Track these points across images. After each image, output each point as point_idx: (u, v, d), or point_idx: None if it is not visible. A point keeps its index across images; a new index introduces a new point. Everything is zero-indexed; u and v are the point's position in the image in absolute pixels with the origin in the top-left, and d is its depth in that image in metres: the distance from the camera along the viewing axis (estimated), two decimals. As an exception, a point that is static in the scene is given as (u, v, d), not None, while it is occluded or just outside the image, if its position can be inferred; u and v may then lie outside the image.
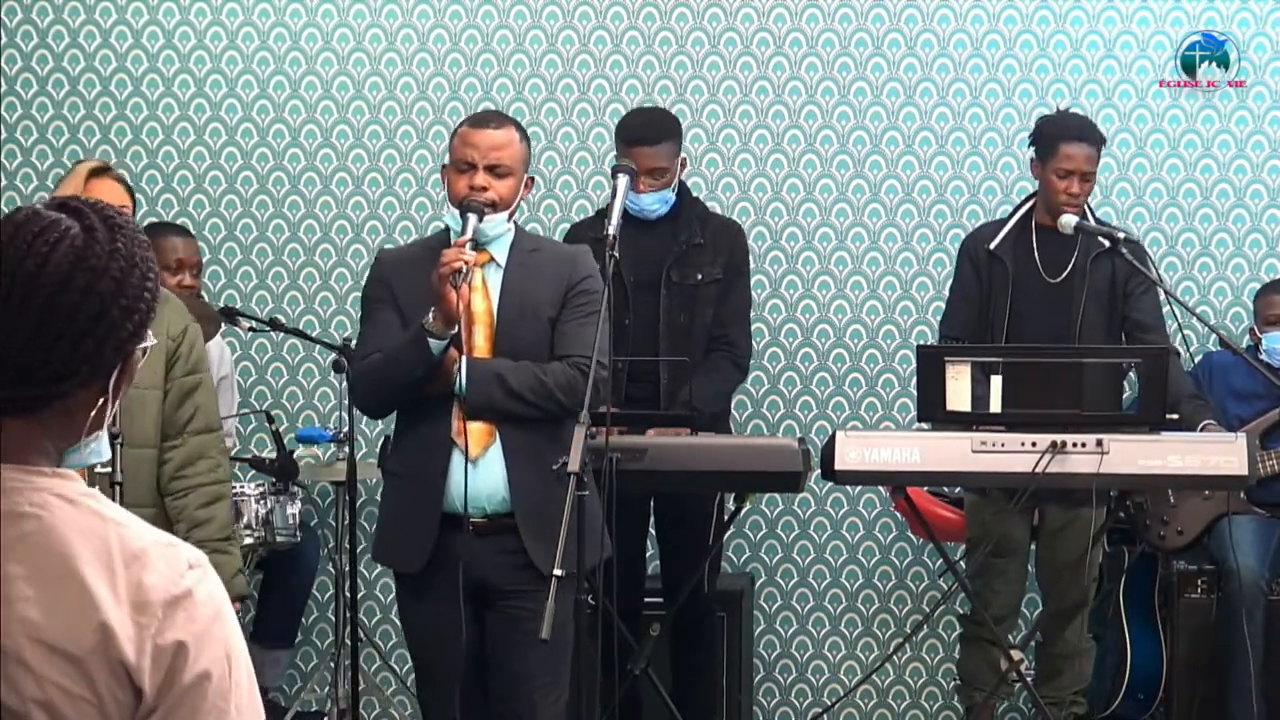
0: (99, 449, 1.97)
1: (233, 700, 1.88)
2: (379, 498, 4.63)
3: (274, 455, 5.76)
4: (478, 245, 4.29)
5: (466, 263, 4.15)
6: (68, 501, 1.89)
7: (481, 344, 4.29)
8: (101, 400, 1.92)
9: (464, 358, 4.24)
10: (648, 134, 5.46)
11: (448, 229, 4.41)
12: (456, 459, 4.23)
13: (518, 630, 4.25)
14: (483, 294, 4.32)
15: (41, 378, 1.87)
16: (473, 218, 4.26)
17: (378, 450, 5.21)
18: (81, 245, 1.88)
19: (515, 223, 4.40)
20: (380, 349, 4.30)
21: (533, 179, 4.46)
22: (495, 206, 4.29)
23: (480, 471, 4.25)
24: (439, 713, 4.36)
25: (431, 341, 4.20)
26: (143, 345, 1.94)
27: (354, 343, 5.72)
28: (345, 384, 5.57)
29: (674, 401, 5.42)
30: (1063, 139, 5.63)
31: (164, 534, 1.92)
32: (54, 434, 1.90)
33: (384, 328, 4.32)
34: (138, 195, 6.55)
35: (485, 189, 4.29)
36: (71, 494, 1.90)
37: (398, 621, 6.55)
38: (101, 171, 4.84)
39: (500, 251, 4.36)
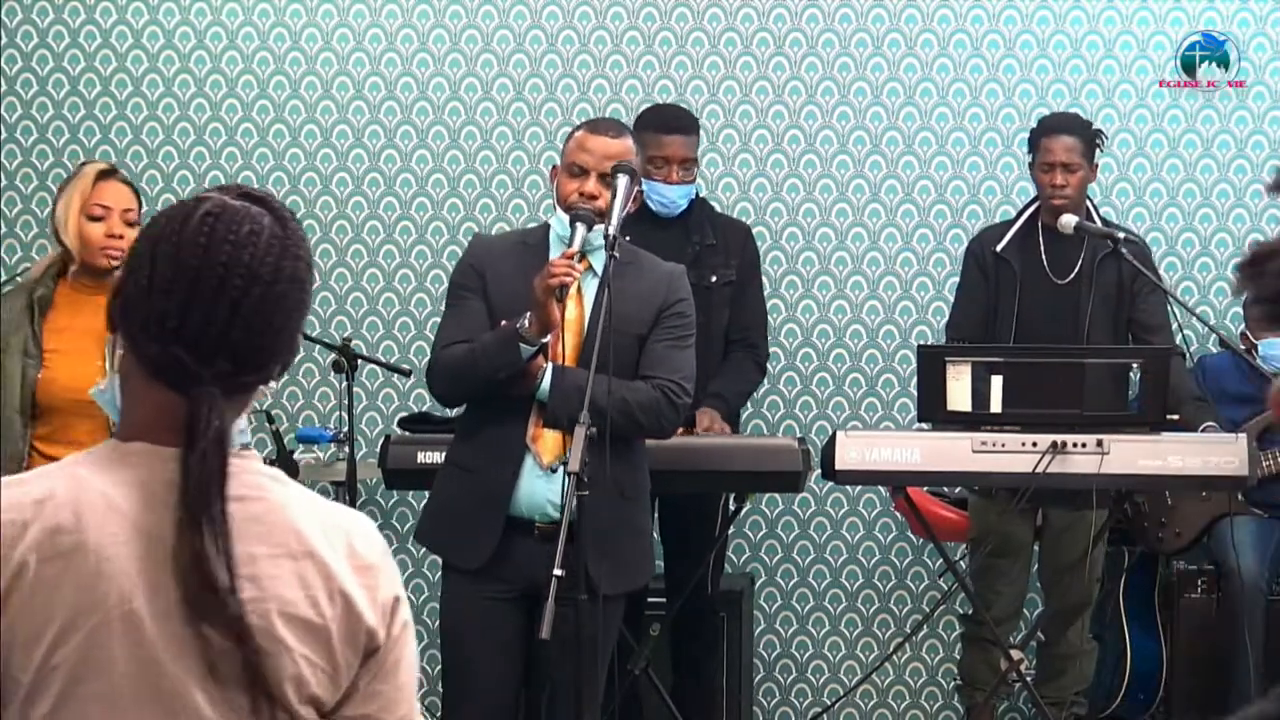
0: (245, 429, 2.05)
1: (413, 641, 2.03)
2: (433, 484, 4.46)
3: (274, 455, 5.76)
4: (582, 254, 4.24)
5: (575, 276, 4.11)
6: (275, 480, 1.97)
7: (567, 352, 4.23)
8: (272, 383, 2.00)
9: (550, 365, 4.20)
10: (682, 123, 5.51)
11: (547, 227, 4.38)
12: (528, 464, 4.21)
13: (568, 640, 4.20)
14: (575, 301, 4.26)
15: (259, 363, 1.93)
16: (581, 227, 4.19)
17: (378, 450, 5.21)
18: (281, 233, 1.94)
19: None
20: (465, 338, 4.25)
21: (641, 191, 4.42)
22: (603, 216, 4.24)
23: (552, 479, 4.21)
24: (474, 713, 4.31)
25: (522, 346, 4.16)
26: None
27: (349, 334, 5.73)
28: (345, 384, 5.57)
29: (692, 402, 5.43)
30: (1043, 134, 5.68)
31: (337, 505, 2.02)
32: (233, 419, 1.95)
33: (471, 317, 4.27)
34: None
35: (595, 197, 4.24)
36: (272, 473, 1.98)
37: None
38: (109, 174, 4.80)
39: (598, 260, 4.30)
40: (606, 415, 4.05)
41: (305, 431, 6.22)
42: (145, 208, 6.48)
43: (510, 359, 4.17)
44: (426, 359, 4.56)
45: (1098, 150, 5.72)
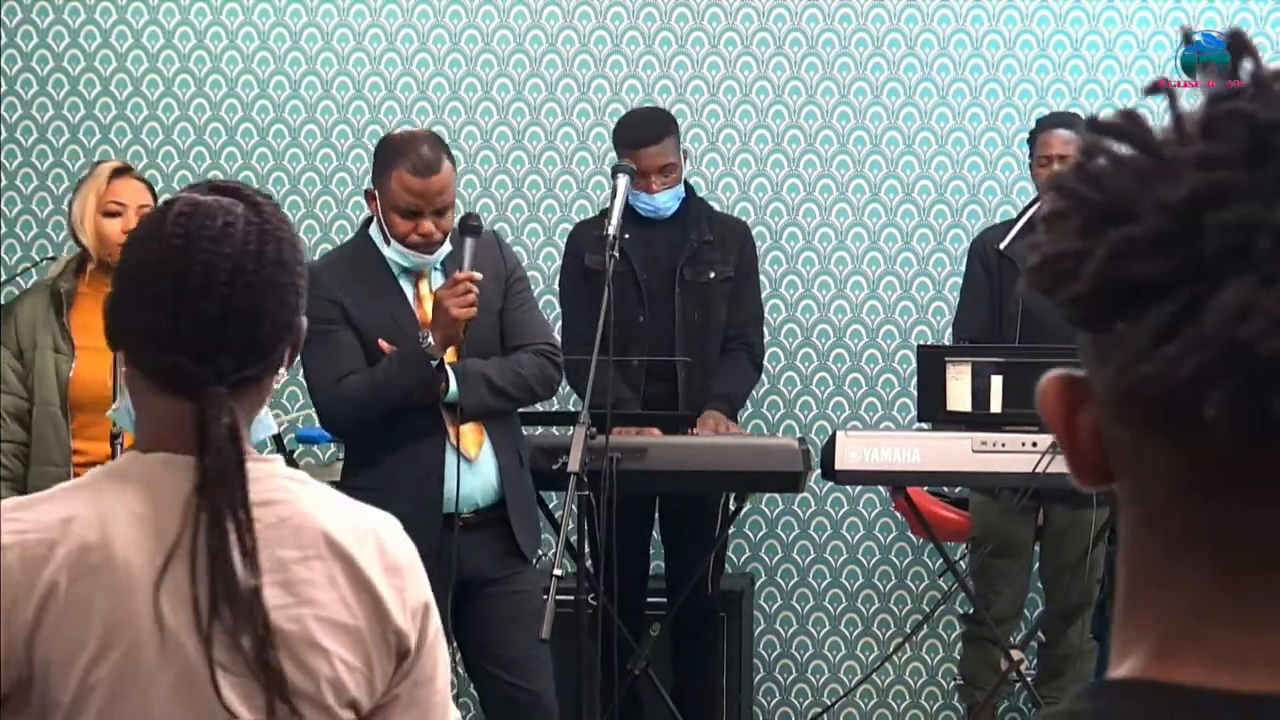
0: (268, 422, 2.02)
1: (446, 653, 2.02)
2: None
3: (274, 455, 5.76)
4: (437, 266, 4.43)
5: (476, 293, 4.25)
6: (299, 483, 1.94)
7: (448, 349, 4.34)
8: (281, 370, 1.97)
9: (450, 367, 4.30)
10: (650, 133, 5.47)
11: (370, 243, 4.43)
12: (450, 461, 4.26)
13: (514, 612, 4.32)
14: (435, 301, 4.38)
15: (255, 357, 1.90)
16: (469, 243, 4.32)
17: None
18: (257, 219, 1.91)
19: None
20: (350, 370, 4.31)
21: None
22: (440, 244, 4.36)
23: (476, 469, 4.29)
24: None
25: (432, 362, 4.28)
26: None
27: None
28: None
29: (692, 400, 5.43)
30: (1040, 130, 5.69)
31: (365, 505, 2.00)
32: (248, 415, 1.93)
33: (346, 349, 4.34)
34: (138, 195, 6.57)
35: (433, 233, 4.33)
36: (293, 475, 1.95)
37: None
38: (123, 171, 4.87)
39: (436, 277, 4.44)
40: (509, 399, 4.36)
41: (305, 431, 6.22)
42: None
43: (424, 377, 4.27)
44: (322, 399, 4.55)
45: None
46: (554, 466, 4.31)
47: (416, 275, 4.42)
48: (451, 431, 4.29)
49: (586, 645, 4.32)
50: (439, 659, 1.99)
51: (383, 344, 4.31)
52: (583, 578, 4.21)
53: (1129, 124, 0.91)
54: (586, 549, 4.44)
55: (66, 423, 4.68)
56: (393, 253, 4.37)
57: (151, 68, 6.56)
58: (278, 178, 6.53)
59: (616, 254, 4.32)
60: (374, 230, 4.43)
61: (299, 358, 2.05)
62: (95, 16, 6.57)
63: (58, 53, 6.57)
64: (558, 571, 3.94)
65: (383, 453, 4.35)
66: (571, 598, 4.36)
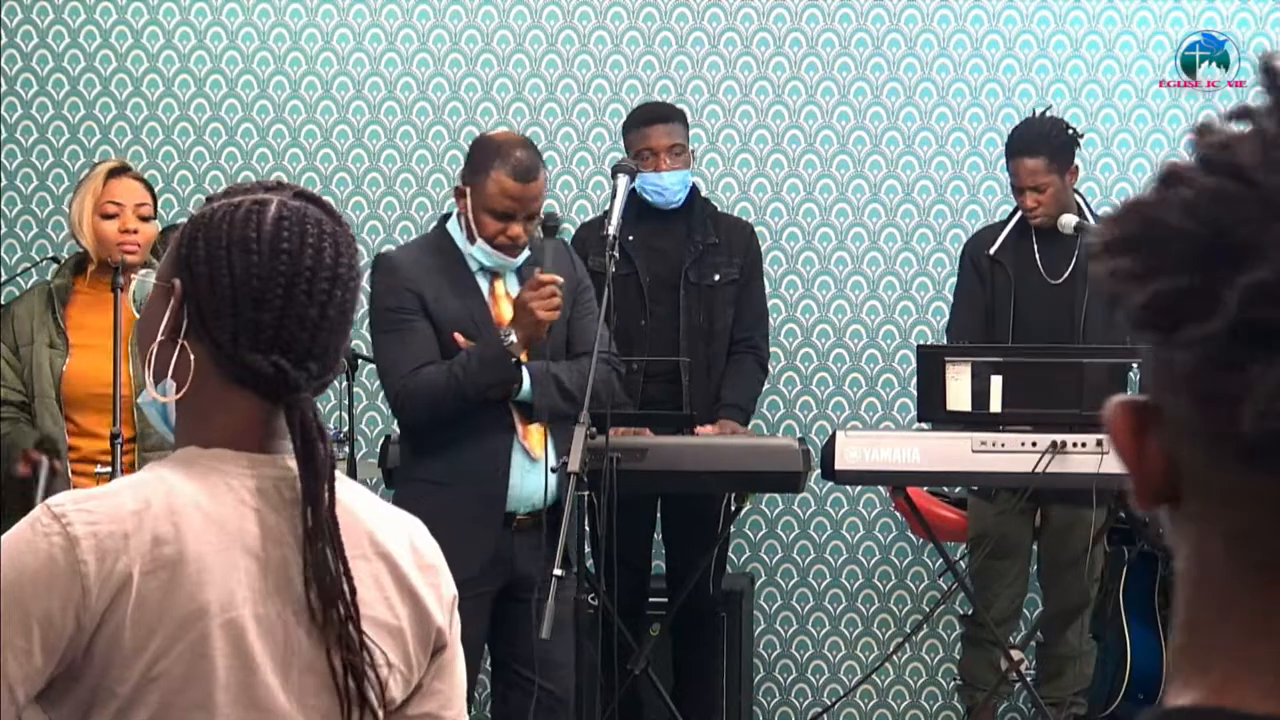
0: None
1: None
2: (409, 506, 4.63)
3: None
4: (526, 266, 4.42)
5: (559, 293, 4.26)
6: (338, 481, 1.95)
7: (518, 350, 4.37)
8: None
9: (526, 367, 4.32)
10: (660, 113, 5.54)
11: (446, 236, 4.44)
12: (516, 461, 4.29)
13: (559, 618, 4.31)
14: (509, 302, 4.40)
15: (331, 364, 1.96)
16: (550, 245, 4.35)
17: (378, 450, 5.21)
18: (339, 229, 1.97)
19: None
20: (425, 361, 4.31)
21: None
22: (525, 247, 4.39)
23: (540, 470, 4.34)
24: None
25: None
26: None
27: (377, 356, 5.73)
28: (346, 384, 5.57)
29: (696, 402, 5.44)
30: (1010, 154, 5.62)
31: (390, 505, 2.04)
32: None
33: (423, 340, 4.36)
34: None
35: (520, 236, 4.36)
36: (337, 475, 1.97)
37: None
38: (120, 171, 4.89)
39: (511, 280, 4.46)
40: (576, 402, 4.30)
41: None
42: (145, 208, 6.51)
43: (505, 375, 4.30)
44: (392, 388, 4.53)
45: (1076, 149, 5.65)
46: (552, 468, 4.31)
47: (493, 274, 4.44)
48: (520, 430, 4.31)
49: (586, 645, 4.32)
50: (459, 650, 2.02)
51: (459, 338, 4.33)
52: (583, 578, 4.21)
53: (1223, 155, 0.86)
54: (587, 549, 4.45)
55: (62, 416, 4.70)
56: (477, 251, 4.39)
57: (151, 68, 6.56)
58: (278, 178, 6.53)
59: (616, 254, 4.33)
60: (453, 226, 4.45)
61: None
62: (95, 16, 6.57)
63: (58, 53, 6.57)
64: (558, 571, 3.94)
65: (447, 446, 4.36)
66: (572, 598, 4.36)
